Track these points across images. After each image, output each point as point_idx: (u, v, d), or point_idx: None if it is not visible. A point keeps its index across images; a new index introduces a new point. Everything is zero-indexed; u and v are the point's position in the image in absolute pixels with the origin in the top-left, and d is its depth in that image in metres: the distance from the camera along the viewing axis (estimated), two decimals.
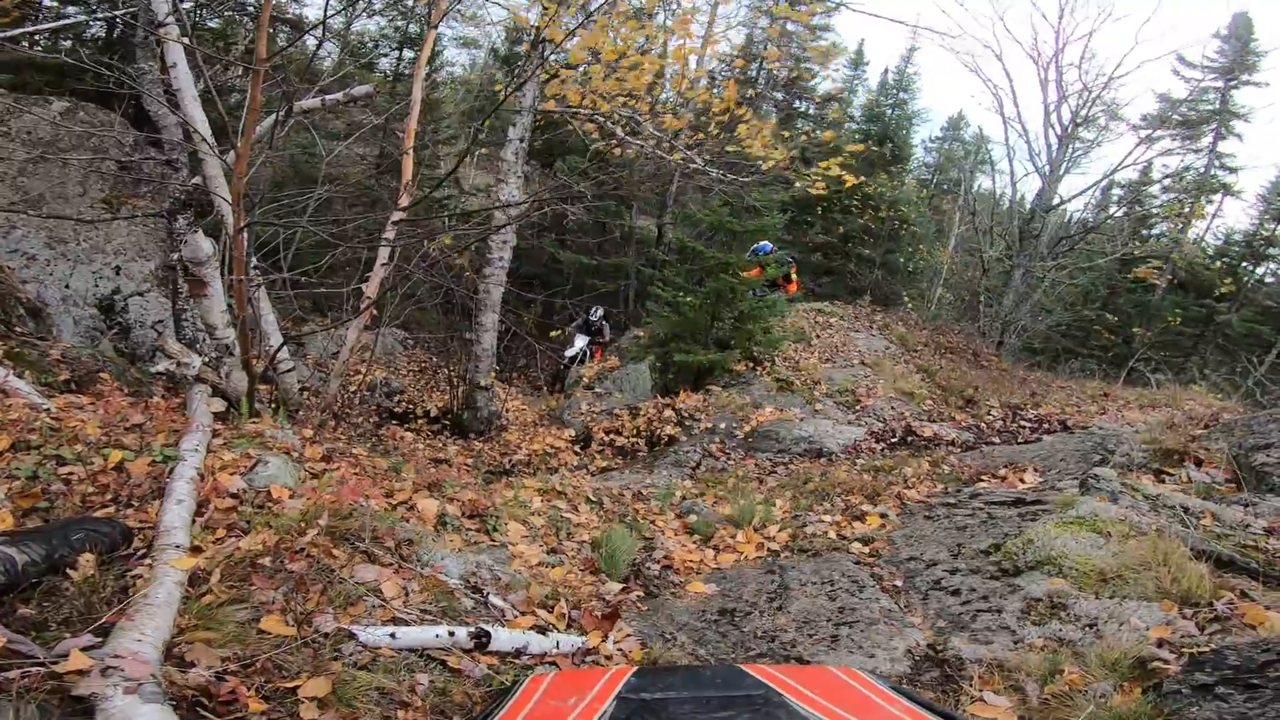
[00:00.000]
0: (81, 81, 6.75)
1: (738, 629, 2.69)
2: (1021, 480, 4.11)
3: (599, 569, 3.01)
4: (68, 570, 1.71)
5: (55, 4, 8.93)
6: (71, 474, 2.20)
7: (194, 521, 2.26)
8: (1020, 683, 1.74)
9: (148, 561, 1.89)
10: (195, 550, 2.05)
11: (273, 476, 2.80)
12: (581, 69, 5.80)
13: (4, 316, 3.12)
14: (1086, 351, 16.25)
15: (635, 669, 0.85)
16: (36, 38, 8.39)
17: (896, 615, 2.63)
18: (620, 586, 2.84)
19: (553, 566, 2.93)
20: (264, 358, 4.14)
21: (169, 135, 2.86)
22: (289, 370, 4.62)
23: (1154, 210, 15.82)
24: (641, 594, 2.96)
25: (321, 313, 10.69)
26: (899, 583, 2.98)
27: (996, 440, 5.82)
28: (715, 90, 6.35)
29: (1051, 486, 3.72)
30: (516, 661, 1.88)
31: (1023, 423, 6.24)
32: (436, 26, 4.26)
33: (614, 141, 5.94)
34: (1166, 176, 15.92)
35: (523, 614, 2.23)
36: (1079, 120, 12.64)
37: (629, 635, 2.28)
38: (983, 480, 4.26)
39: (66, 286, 4.02)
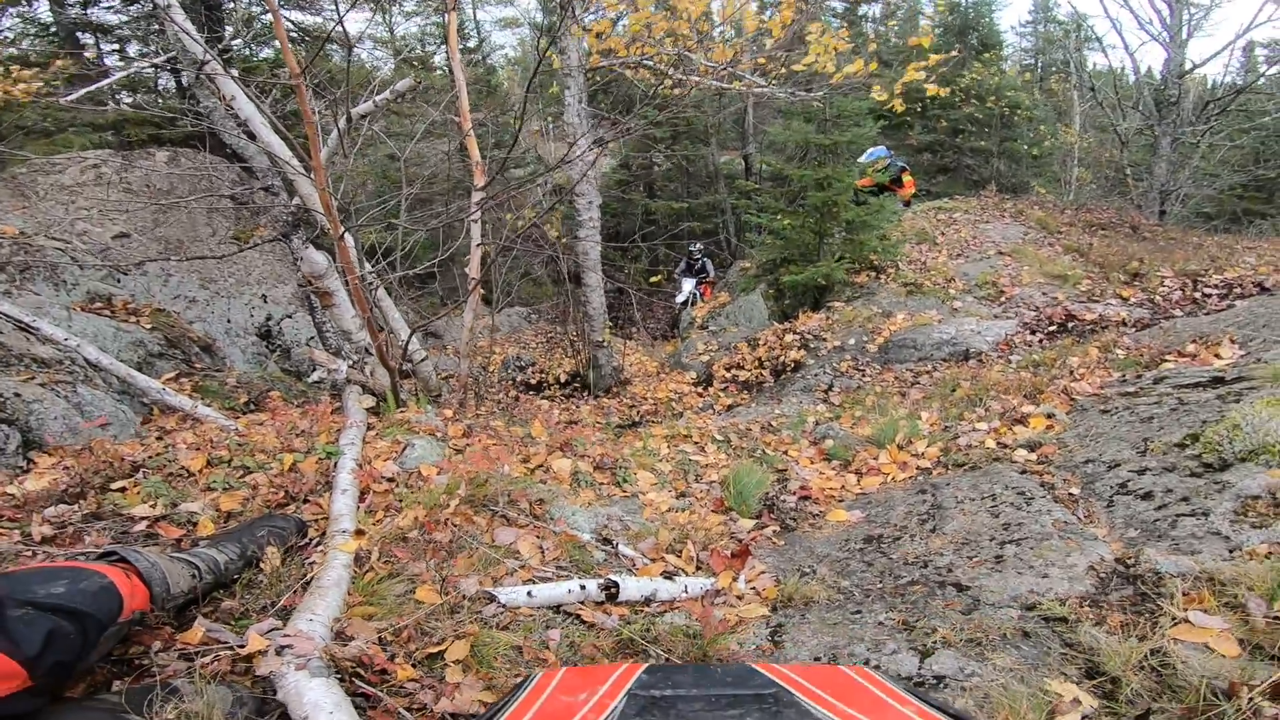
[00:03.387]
0: (172, 129, 7.62)
1: (885, 556, 2.53)
2: (1217, 356, 3.40)
3: (729, 507, 2.97)
4: (259, 564, 1.98)
5: (120, 62, 10.13)
6: (255, 480, 2.55)
7: (359, 507, 2.53)
8: (1240, 598, 1.43)
9: (320, 548, 2.15)
10: (359, 533, 2.30)
11: (421, 457, 3.06)
12: (621, 22, 5.52)
13: (184, 356, 3.68)
14: (1276, 210, 14.31)
15: (646, 666, 0.85)
16: (119, 95, 9.52)
17: (1074, 528, 2.31)
18: (753, 524, 2.78)
19: (681, 510, 2.94)
20: (398, 352, 4.51)
21: (257, 163, 3.13)
22: (423, 360, 5.01)
23: None
24: (777, 528, 2.88)
25: (448, 305, 11.54)
26: (1075, 490, 2.62)
27: (1177, 313, 4.93)
28: (768, 15, 5.77)
29: (1257, 359, 3.04)
30: (646, 609, 1.91)
31: (1207, 290, 5.22)
32: (454, 8, 4.23)
33: (669, 83, 5.64)
34: None
35: (652, 561, 2.25)
36: None
37: (763, 573, 2.23)
38: (1167, 361, 3.59)
39: (228, 320, 4.69)
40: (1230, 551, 1.68)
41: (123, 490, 2.33)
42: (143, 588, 1.47)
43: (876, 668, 1.61)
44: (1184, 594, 1.52)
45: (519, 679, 1.08)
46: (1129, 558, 1.91)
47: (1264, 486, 1.81)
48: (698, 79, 5.44)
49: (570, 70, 6.09)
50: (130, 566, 1.52)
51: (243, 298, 4.94)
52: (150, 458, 2.60)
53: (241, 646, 1.42)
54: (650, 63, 5.38)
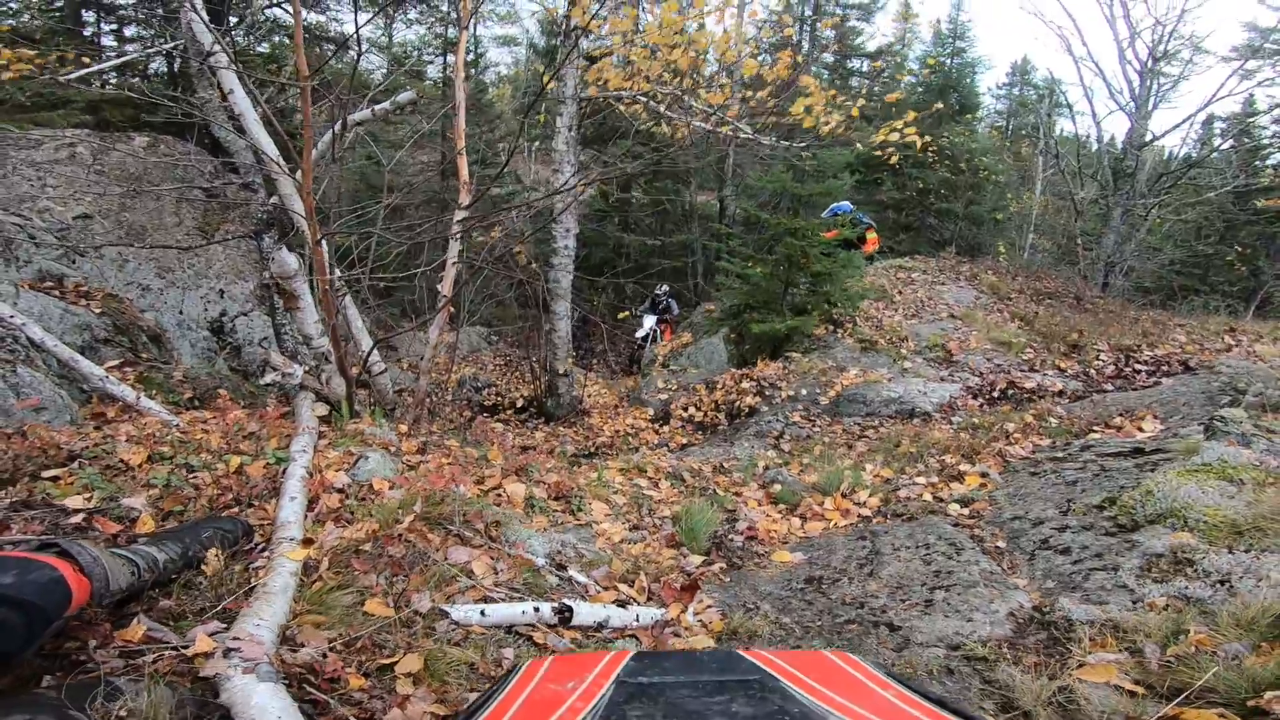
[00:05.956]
0: (155, 115, 7.41)
1: (825, 596, 2.63)
2: (1139, 429, 3.72)
3: (680, 542, 3.03)
4: (201, 565, 1.92)
5: (115, 43, 9.96)
6: (199, 480, 2.47)
7: (306, 516, 2.48)
8: (1138, 644, 1.58)
9: (266, 554, 2.10)
10: (307, 542, 2.25)
11: (373, 471, 3.01)
12: (619, 53, 5.74)
13: (130, 345, 3.54)
14: (1208, 288, 15.19)
15: (633, 653, 0.85)
16: (108, 76, 9.28)
17: (998, 577, 2.47)
18: (701, 559, 2.85)
19: (635, 543, 2.98)
20: (357, 362, 4.44)
21: (241, 159, 3.10)
22: (382, 372, 4.93)
23: (1265, 141, 14.14)
24: (724, 566, 2.95)
25: (411, 318, 11.36)
26: (1001, 544, 2.80)
27: (1109, 387, 5.35)
28: (764, 59, 6.09)
29: (1174, 434, 3.34)
30: (598, 635, 1.93)
31: (1137, 366, 5.69)
32: (467, 27, 4.34)
33: (661, 121, 5.85)
34: (1275, 106, 14.07)
35: (605, 589, 2.28)
36: (1158, 55, 11.52)
37: (710, 606, 2.29)
38: (1095, 431, 3.90)
39: (180, 312, 4.52)
40: (1134, 603, 1.85)
41: (56, 479, 2.23)
42: (85, 582, 1.43)
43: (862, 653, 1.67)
44: (1091, 639, 1.66)
45: (508, 669, 1.09)
46: (1045, 606, 2.07)
47: (1167, 547, 2.00)
48: (690, 120, 5.64)
49: (565, 98, 6.23)
50: (71, 559, 1.47)
51: (199, 290, 4.77)
52: (88, 448, 2.50)
53: (185, 647, 1.39)
54: (644, 98, 5.55)
